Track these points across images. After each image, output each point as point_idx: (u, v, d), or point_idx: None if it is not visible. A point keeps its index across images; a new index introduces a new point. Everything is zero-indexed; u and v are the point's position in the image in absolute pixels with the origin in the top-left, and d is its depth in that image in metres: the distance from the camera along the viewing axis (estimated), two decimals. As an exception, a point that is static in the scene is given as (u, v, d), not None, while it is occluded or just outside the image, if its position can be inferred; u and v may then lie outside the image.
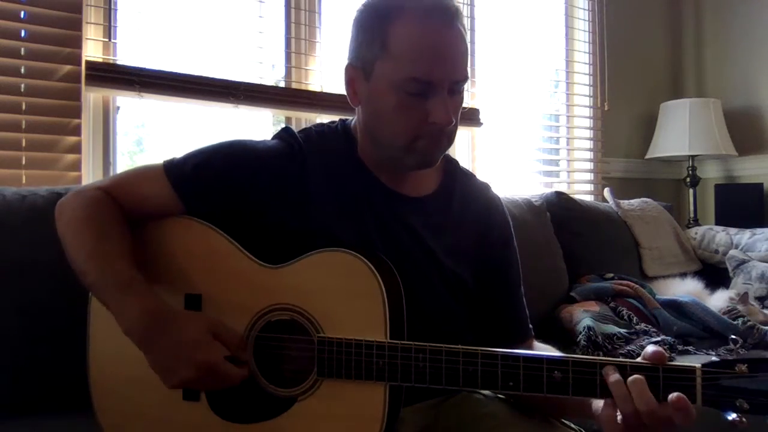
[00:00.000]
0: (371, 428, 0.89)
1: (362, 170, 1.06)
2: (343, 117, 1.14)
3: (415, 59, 0.93)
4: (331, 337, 0.91)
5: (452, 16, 0.96)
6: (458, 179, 1.13)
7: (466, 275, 1.07)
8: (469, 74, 0.99)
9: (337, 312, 0.92)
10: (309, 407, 0.92)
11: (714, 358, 0.79)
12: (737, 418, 0.76)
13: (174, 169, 1.03)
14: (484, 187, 1.16)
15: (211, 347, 0.88)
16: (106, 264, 0.93)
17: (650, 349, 0.81)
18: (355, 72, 1.00)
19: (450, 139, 1.00)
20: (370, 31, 0.97)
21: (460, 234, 1.08)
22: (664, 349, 1.78)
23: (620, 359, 0.82)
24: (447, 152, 1.13)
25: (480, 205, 1.13)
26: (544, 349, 1.11)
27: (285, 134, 1.08)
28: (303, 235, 0.99)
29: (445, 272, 1.05)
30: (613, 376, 0.80)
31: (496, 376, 0.85)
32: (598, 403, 0.86)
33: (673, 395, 0.77)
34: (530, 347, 1.11)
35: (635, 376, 0.79)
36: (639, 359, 0.82)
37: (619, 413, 0.79)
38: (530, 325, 1.15)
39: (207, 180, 1.02)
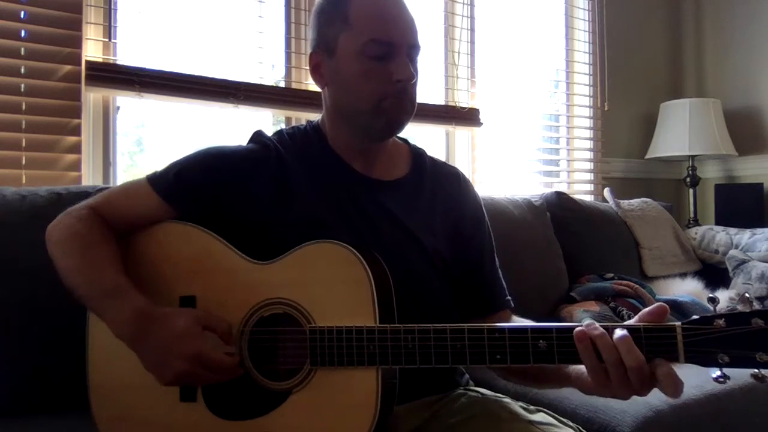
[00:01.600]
0: (365, 413, 0.90)
1: (336, 160, 1.11)
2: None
3: (374, 23, 1.03)
4: (322, 326, 0.93)
5: None
6: (427, 163, 1.19)
7: (445, 251, 1.11)
8: (420, 47, 1.08)
9: (328, 301, 0.94)
10: (303, 398, 0.93)
11: (694, 317, 0.81)
12: (720, 376, 0.79)
13: (159, 181, 1.07)
14: (454, 170, 1.24)
15: (199, 338, 0.90)
16: (93, 274, 0.96)
17: (646, 310, 0.83)
18: (319, 56, 1.08)
19: (412, 102, 1.06)
20: (331, 12, 1.06)
21: (434, 212, 1.13)
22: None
23: (602, 324, 0.83)
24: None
25: (451, 184, 1.19)
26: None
27: (258, 137, 1.13)
28: (288, 230, 1.01)
29: (426, 249, 1.08)
30: (600, 334, 0.81)
31: (483, 351, 0.86)
32: (578, 369, 0.87)
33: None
34: (509, 319, 1.15)
35: (622, 332, 0.80)
36: (633, 321, 0.83)
37: (605, 372, 0.81)
38: (508, 297, 1.17)
39: (191, 183, 1.06)
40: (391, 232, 1.07)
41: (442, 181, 1.18)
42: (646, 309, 0.84)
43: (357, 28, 1.03)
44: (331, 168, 1.10)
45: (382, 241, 1.03)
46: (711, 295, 0.85)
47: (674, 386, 0.78)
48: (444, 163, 1.25)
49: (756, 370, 0.77)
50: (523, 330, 0.86)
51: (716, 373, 0.79)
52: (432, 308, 1.04)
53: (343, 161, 1.11)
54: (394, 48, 1.02)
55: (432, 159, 1.21)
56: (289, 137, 1.14)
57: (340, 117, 1.10)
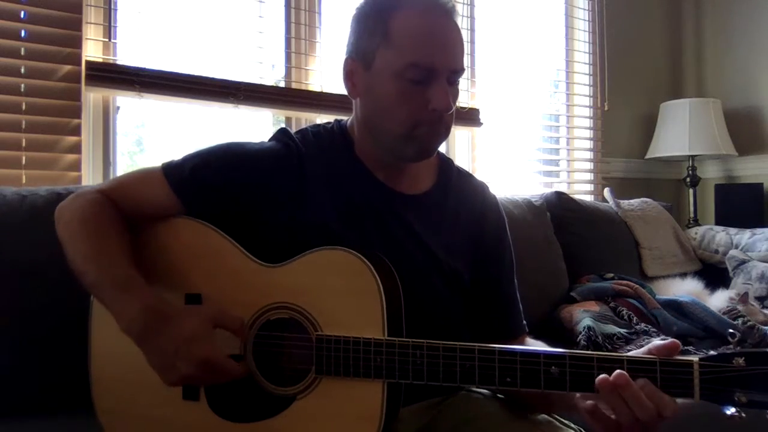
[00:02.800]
0: (369, 426, 0.89)
1: (359, 168, 1.07)
2: (340, 118, 1.15)
3: (417, 45, 0.96)
4: (329, 335, 0.91)
5: (450, 10, 1.00)
6: (454, 177, 1.15)
7: (462, 271, 1.08)
8: (465, 68, 1.02)
9: (336, 310, 0.92)
10: (308, 406, 0.93)
11: (712, 353, 0.79)
12: (736, 413, 0.76)
13: (173, 171, 1.04)
14: (480, 186, 1.18)
15: (208, 342, 0.88)
16: (104, 263, 0.94)
17: (658, 342, 0.81)
18: (355, 64, 1.02)
19: (447, 129, 1.02)
20: (372, 22, 1.00)
21: (456, 230, 1.10)
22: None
23: (617, 353, 0.82)
24: (444, 153, 1.14)
25: (476, 202, 1.14)
26: (537, 346, 1.11)
27: (281, 135, 1.09)
28: (301, 233, 0.99)
29: (442, 268, 1.06)
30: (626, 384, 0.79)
31: (493, 372, 0.85)
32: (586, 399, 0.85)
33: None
34: (523, 343, 1.12)
35: (642, 380, 0.78)
36: (641, 352, 0.82)
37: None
38: (524, 322, 1.15)
39: (205, 181, 1.03)
40: (408, 247, 1.04)
41: (467, 198, 1.13)
42: (661, 343, 0.81)
43: (398, 47, 0.96)
44: (353, 176, 1.06)
45: (397, 254, 0.99)
46: (731, 330, 0.82)
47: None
48: (470, 175, 1.20)
49: (734, 409, 0.75)
50: (535, 354, 0.84)
51: (731, 410, 0.76)
52: (444, 327, 1.00)
53: (366, 170, 1.07)
54: (436, 73, 0.96)
55: (459, 171, 1.17)
56: (313, 137, 1.09)
57: (369, 131, 1.05)
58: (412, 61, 0.95)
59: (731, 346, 1.83)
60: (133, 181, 1.07)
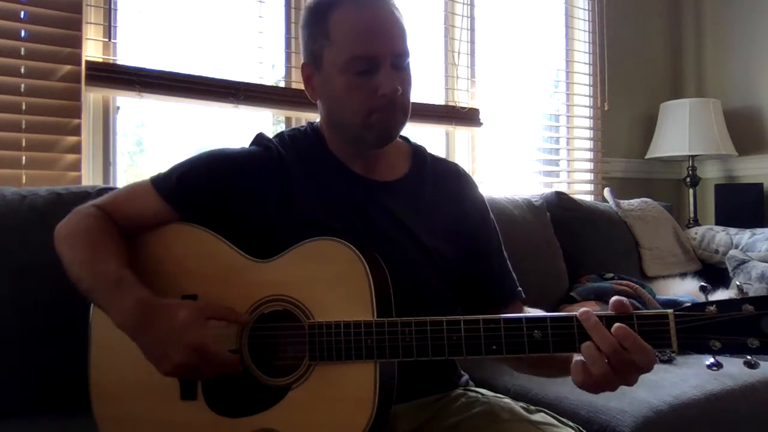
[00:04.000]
0: (363, 409, 0.90)
1: (335, 162, 1.11)
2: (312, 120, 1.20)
3: (354, 39, 1.01)
4: (320, 321, 0.93)
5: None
6: (428, 162, 1.18)
7: (447, 251, 1.10)
8: (409, 51, 1.05)
9: (327, 298, 0.95)
10: (302, 394, 0.94)
11: (687, 304, 0.83)
12: (714, 364, 0.80)
13: (161, 183, 1.08)
14: (454, 166, 1.23)
15: (201, 330, 0.90)
16: (98, 267, 0.97)
17: (613, 299, 0.85)
18: (309, 68, 1.08)
19: (405, 111, 1.05)
20: (314, 26, 1.05)
21: (437, 212, 1.13)
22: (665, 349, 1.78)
23: (596, 312, 0.84)
24: (420, 144, 1.20)
25: (452, 182, 1.18)
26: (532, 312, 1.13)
27: (260, 139, 1.13)
28: (291, 230, 1.02)
29: (427, 250, 1.08)
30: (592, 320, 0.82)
31: (479, 342, 0.87)
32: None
33: (614, 326, 0.81)
34: (521, 311, 1.14)
35: (618, 324, 0.81)
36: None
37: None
38: (519, 288, 1.17)
39: (193, 187, 1.07)
40: (392, 232, 1.07)
41: (444, 178, 1.17)
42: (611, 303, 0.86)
43: (338, 44, 1.02)
44: (330, 170, 1.10)
45: (382, 241, 1.03)
46: (703, 284, 0.86)
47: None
48: (444, 159, 1.24)
49: (748, 357, 0.79)
50: (517, 320, 0.86)
51: (710, 360, 0.80)
52: (432, 307, 1.03)
53: (342, 163, 1.11)
54: (378, 60, 1.00)
55: (432, 156, 1.21)
56: (290, 139, 1.14)
57: (333, 128, 1.11)
58: (353, 55, 1.00)
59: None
60: (126, 196, 1.11)
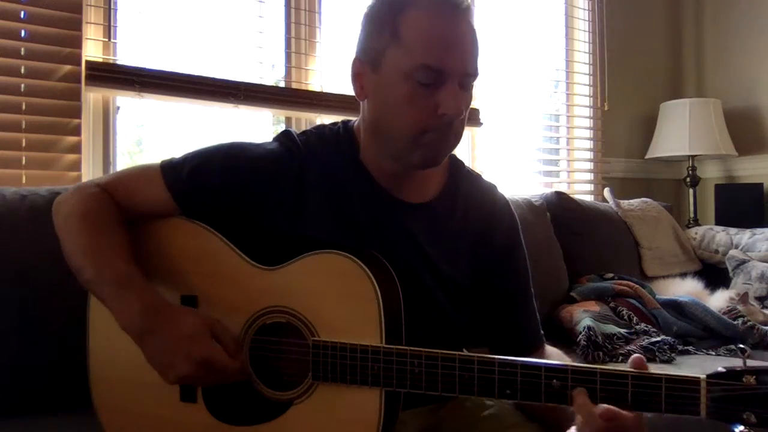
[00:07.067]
0: None
1: (362, 174, 1.03)
2: (345, 118, 1.11)
3: (428, 46, 0.91)
4: (326, 340, 0.90)
5: (464, 10, 0.95)
6: (463, 181, 1.09)
7: (465, 282, 1.05)
8: (479, 72, 0.97)
9: (332, 315, 0.91)
10: (304, 411, 0.92)
11: (720, 369, 0.75)
12: (745, 430, 0.73)
13: (171, 171, 1.02)
14: (490, 189, 1.12)
15: (208, 342, 0.88)
16: (103, 259, 0.93)
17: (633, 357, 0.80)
18: (363, 65, 0.98)
19: (457, 137, 0.98)
20: (381, 21, 0.95)
21: (462, 239, 1.05)
22: (665, 349, 1.78)
23: (620, 369, 0.79)
24: (459, 158, 1.11)
25: (485, 207, 1.09)
26: (553, 355, 1.10)
27: (284, 138, 1.06)
28: (298, 242, 0.97)
29: (443, 279, 1.02)
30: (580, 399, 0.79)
31: (492, 384, 0.83)
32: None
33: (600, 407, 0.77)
34: (541, 354, 1.08)
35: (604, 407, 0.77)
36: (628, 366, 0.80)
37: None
38: (541, 332, 1.10)
39: (203, 184, 1.01)
40: (408, 257, 1.00)
41: (475, 203, 1.08)
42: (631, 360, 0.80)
43: (408, 47, 0.92)
44: (356, 184, 1.02)
45: (397, 266, 0.95)
46: (742, 346, 0.79)
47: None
48: (479, 177, 1.13)
49: (743, 428, 0.72)
50: (536, 367, 0.81)
51: (739, 428, 0.72)
52: (446, 337, 0.98)
53: (370, 177, 1.02)
54: (447, 76, 0.92)
55: (469, 173, 1.11)
56: (318, 140, 1.05)
57: (375, 135, 1.01)
58: (423, 63, 0.91)
59: (734, 351, 1.83)
60: (131, 178, 1.05)
